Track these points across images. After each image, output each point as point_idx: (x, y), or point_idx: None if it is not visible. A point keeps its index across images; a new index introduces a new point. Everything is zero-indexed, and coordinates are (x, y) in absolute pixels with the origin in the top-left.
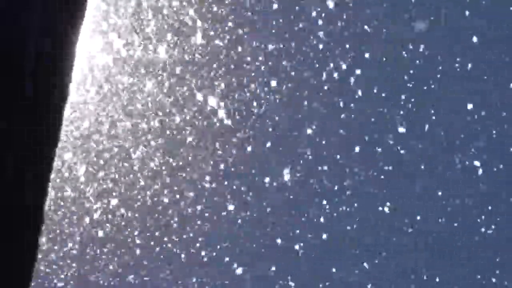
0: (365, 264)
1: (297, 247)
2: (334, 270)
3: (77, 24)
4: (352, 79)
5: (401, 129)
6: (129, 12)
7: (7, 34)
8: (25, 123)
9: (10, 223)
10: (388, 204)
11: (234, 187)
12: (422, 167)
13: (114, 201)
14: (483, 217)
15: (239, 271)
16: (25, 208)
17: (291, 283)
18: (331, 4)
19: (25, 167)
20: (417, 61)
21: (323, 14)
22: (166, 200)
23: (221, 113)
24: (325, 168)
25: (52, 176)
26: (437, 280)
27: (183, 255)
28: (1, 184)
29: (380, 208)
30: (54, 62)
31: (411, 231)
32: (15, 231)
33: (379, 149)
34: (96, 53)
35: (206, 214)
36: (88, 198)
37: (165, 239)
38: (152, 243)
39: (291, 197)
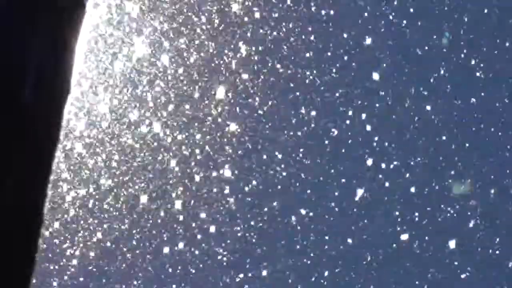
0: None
1: None
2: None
3: (77, 28)
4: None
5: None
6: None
7: (7, 46)
8: (24, 127)
9: (10, 224)
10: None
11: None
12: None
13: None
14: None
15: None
16: (25, 209)
17: None
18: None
19: (25, 168)
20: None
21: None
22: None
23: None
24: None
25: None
26: None
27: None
28: (1, 185)
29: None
30: (55, 66)
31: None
32: (14, 232)
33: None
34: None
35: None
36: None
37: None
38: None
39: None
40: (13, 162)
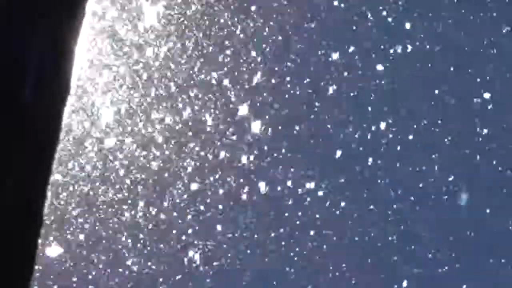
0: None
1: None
2: None
3: (77, 27)
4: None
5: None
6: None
7: (7, 46)
8: (24, 127)
9: (10, 224)
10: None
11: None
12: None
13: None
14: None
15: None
16: (25, 209)
17: None
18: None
19: (25, 168)
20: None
21: None
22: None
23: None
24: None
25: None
26: None
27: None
28: (1, 185)
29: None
30: (55, 66)
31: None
32: (14, 233)
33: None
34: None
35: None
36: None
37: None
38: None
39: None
40: (13, 162)
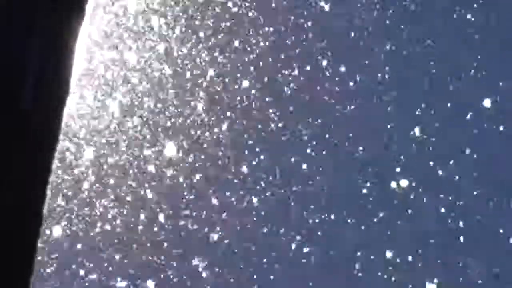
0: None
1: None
2: None
3: (77, 27)
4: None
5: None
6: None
7: (7, 46)
8: (24, 127)
9: (10, 224)
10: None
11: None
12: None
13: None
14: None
15: None
16: (25, 209)
17: None
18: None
19: (25, 168)
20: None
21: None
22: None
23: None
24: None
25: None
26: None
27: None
28: (1, 185)
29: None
30: (55, 66)
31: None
32: (14, 232)
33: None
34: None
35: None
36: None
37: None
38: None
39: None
40: (13, 162)
